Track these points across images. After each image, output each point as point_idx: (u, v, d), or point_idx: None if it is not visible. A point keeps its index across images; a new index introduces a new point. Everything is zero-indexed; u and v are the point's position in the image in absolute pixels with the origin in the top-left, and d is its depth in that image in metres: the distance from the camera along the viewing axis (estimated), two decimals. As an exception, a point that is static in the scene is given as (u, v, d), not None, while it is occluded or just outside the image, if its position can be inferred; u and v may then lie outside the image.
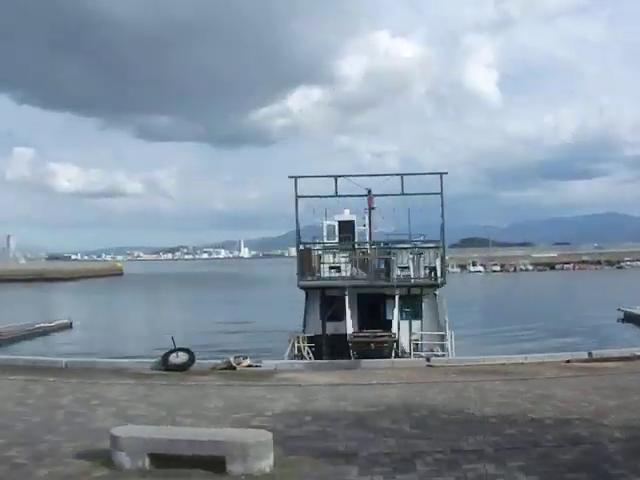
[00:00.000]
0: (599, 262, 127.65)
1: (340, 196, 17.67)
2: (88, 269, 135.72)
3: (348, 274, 18.50)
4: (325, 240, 20.62)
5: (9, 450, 7.21)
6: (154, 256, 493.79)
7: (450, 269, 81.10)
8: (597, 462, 6.56)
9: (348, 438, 7.62)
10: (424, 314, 17.60)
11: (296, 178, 17.35)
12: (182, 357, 13.73)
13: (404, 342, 16.67)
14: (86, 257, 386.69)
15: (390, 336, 14.91)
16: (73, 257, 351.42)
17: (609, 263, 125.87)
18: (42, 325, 39.20)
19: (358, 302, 17.81)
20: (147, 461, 6.52)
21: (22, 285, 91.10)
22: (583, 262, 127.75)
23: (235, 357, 13.83)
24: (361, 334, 15.45)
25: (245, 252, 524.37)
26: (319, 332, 17.87)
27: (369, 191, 18.07)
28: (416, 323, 17.44)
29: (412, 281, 17.12)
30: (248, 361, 13.82)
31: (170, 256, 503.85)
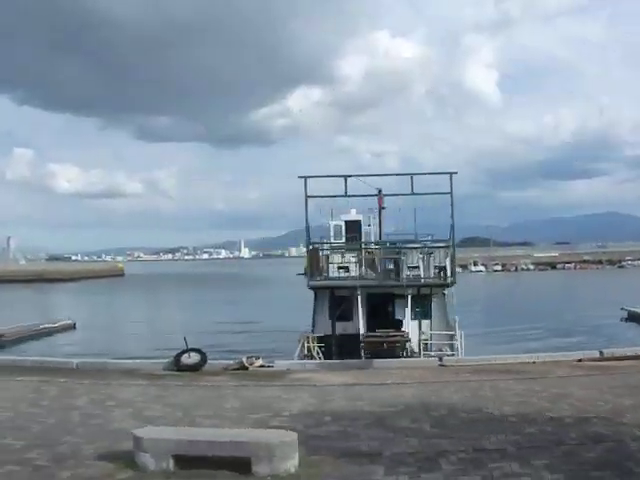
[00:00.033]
0: (600, 261, 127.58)
1: (350, 196, 17.69)
2: (89, 270, 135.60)
3: (356, 274, 18.54)
4: (332, 240, 20.62)
5: (29, 452, 7.17)
6: (154, 257, 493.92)
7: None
8: (620, 460, 6.57)
9: (370, 438, 7.63)
10: (433, 314, 17.62)
11: (306, 178, 17.36)
12: (194, 357, 13.76)
13: (414, 342, 16.69)
14: (86, 258, 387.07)
15: (402, 336, 14.93)
16: (73, 258, 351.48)
17: (610, 262, 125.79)
18: (46, 326, 39.20)
19: (367, 302, 17.85)
20: (171, 462, 6.48)
21: (23, 286, 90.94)
22: (584, 262, 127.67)
23: (247, 357, 13.86)
24: (374, 334, 15.46)
25: (245, 252, 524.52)
26: (328, 332, 17.89)
27: (379, 191, 18.08)
28: (425, 323, 17.47)
29: (422, 281, 17.13)
30: (260, 361, 13.85)
31: (170, 257, 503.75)
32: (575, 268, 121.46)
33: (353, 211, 20.83)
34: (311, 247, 18.21)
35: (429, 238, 19.24)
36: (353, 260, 18.85)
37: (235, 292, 77.76)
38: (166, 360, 14.41)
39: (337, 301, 17.96)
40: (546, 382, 11.26)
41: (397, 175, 18.17)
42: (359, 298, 16.14)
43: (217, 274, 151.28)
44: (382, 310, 18.28)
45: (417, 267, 17.21)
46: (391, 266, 18.64)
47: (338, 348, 17.16)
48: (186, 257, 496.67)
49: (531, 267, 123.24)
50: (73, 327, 41.71)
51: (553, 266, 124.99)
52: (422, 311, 17.43)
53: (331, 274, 18.73)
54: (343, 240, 20.73)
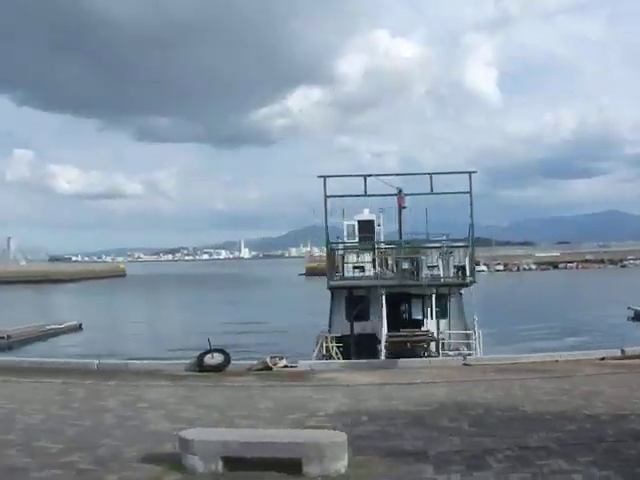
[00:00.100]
0: (602, 261, 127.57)
1: (369, 195, 17.70)
2: (91, 270, 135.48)
3: (372, 273, 18.57)
4: (346, 240, 20.63)
5: (70, 455, 7.06)
6: (154, 257, 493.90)
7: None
8: (663, 457, 6.62)
9: (412, 437, 7.65)
10: (451, 313, 17.65)
11: (325, 178, 17.39)
12: (217, 358, 13.70)
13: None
14: (86, 258, 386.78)
15: (427, 335, 14.97)
16: (73, 259, 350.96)
17: (612, 262, 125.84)
18: (52, 327, 39.29)
19: (382, 302, 17.84)
20: (220, 464, 6.43)
21: (24, 287, 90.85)
22: (586, 261, 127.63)
23: (271, 357, 13.85)
24: (398, 334, 15.48)
25: (245, 253, 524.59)
26: (345, 332, 17.92)
27: (400, 190, 18.10)
28: (443, 322, 17.50)
29: (442, 280, 17.17)
30: (284, 361, 13.87)
31: (170, 257, 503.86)
32: (577, 268, 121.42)
33: (366, 211, 20.84)
34: (330, 247, 18.18)
35: (444, 238, 19.27)
36: (369, 260, 18.86)
37: (238, 293, 77.77)
38: (188, 361, 14.39)
39: (355, 301, 17.99)
40: (575, 380, 11.31)
41: (416, 175, 18.18)
42: (383, 298, 16.16)
43: (218, 275, 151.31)
44: (398, 310, 18.31)
45: (436, 266, 17.24)
46: (405, 265, 18.68)
47: (355, 347, 17.19)
48: (186, 258, 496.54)
49: (533, 267, 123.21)
50: (79, 328, 41.80)
51: (555, 266, 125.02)
52: (440, 311, 17.46)
53: (346, 274, 18.76)
54: (356, 240, 20.76)
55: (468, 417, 8.63)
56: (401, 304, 18.67)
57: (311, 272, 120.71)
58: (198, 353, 14.16)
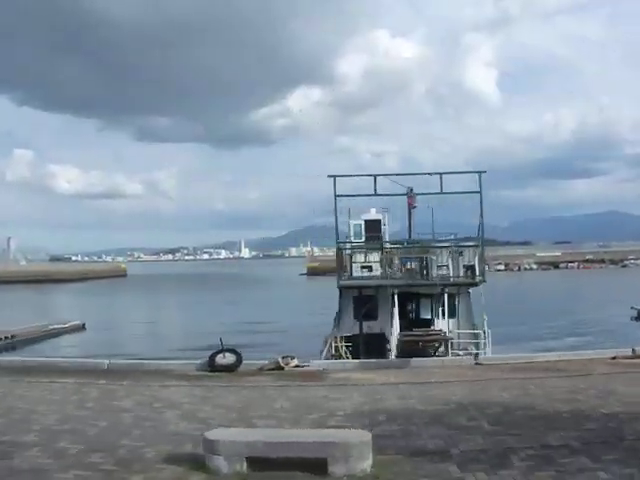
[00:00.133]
0: (603, 261, 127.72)
1: (380, 195, 17.72)
2: (91, 270, 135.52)
3: (379, 273, 18.59)
4: (352, 240, 20.65)
5: (91, 456, 6.99)
6: (154, 257, 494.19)
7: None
8: (684, 455, 6.63)
9: (432, 436, 7.66)
10: (460, 313, 17.67)
11: (335, 177, 17.40)
12: (229, 358, 13.68)
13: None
14: (86, 258, 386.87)
15: (440, 335, 14.99)
16: (73, 258, 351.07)
17: (613, 262, 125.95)
18: (55, 327, 39.44)
19: (391, 301, 17.86)
20: (245, 465, 6.39)
21: (25, 286, 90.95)
22: (587, 261, 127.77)
23: (283, 357, 13.85)
24: (411, 333, 15.49)
25: (246, 253, 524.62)
26: (352, 331, 17.94)
27: (411, 190, 18.11)
28: (452, 322, 17.52)
29: (451, 280, 17.18)
30: (296, 361, 13.87)
31: (170, 257, 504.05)
32: (578, 268, 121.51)
33: (373, 210, 20.87)
34: (339, 247, 18.20)
35: (451, 237, 19.30)
36: (376, 259, 18.88)
37: (240, 292, 77.84)
38: (199, 361, 14.38)
39: (363, 300, 18.01)
40: (589, 379, 11.34)
41: (426, 174, 18.19)
42: (395, 298, 16.18)
43: (219, 274, 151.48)
44: (405, 309, 18.33)
45: (446, 266, 17.26)
46: (410, 265, 18.70)
47: (363, 347, 17.20)
48: (186, 257, 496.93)
49: (534, 267, 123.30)
50: (82, 328, 41.91)
51: (556, 266, 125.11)
52: (449, 310, 17.48)
53: (354, 273, 18.79)
54: (363, 239, 20.77)
55: (487, 416, 8.64)
56: (408, 303, 18.68)
57: (312, 272, 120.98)
58: (209, 353, 14.15)
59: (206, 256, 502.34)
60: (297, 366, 13.80)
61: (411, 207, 18.50)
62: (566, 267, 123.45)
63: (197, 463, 6.57)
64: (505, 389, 10.61)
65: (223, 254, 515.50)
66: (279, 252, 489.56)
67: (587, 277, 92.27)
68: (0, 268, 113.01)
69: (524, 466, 6.44)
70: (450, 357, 15.06)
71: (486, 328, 16.95)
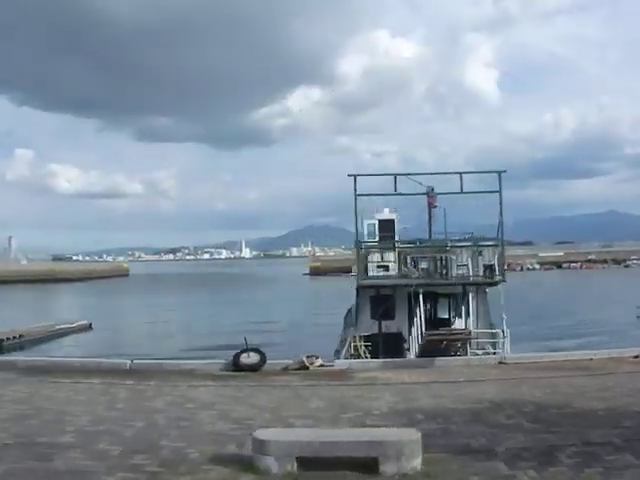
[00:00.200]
0: (605, 261, 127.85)
1: (400, 194, 17.79)
2: (93, 270, 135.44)
3: (395, 272, 18.66)
4: (366, 239, 20.70)
5: (133, 457, 6.91)
6: (155, 257, 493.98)
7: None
8: None
9: (474, 434, 7.71)
10: (478, 312, 17.72)
11: (355, 176, 17.47)
12: (253, 357, 13.67)
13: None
14: (87, 258, 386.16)
15: (463, 334, 15.05)
16: (74, 258, 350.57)
17: (615, 262, 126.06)
18: (63, 326, 39.50)
19: (408, 301, 17.94)
20: (295, 465, 6.35)
21: (27, 286, 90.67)
22: (589, 261, 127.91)
23: (307, 357, 13.91)
24: (436, 332, 15.54)
25: (246, 252, 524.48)
26: (371, 331, 18.00)
27: (432, 189, 18.19)
28: (470, 321, 17.56)
29: (471, 279, 17.24)
30: (320, 361, 13.92)
31: (171, 257, 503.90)
32: (581, 268, 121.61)
33: (386, 210, 20.89)
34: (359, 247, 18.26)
35: (466, 237, 19.37)
36: (392, 259, 18.94)
37: (244, 292, 77.95)
38: (223, 360, 14.41)
39: (380, 300, 18.08)
40: (617, 378, 11.43)
41: (445, 174, 18.29)
42: (420, 297, 16.23)
43: (220, 274, 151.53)
44: (424, 309, 18.37)
45: (465, 265, 17.32)
46: (423, 265, 18.75)
47: (382, 346, 17.27)
48: (187, 257, 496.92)
49: (537, 267, 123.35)
50: (89, 327, 41.96)
51: (559, 265, 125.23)
52: (467, 309, 17.55)
53: (370, 273, 18.84)
54: (376, 239, 20.82)
55: (524, 414, 8.71)
56: (425, 303, 18.73)
57: (315, 272, 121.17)
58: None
59: (207, 256, 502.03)
60: (322, 365, 13.84)
61: (432, 206, 18.56)
62: (569, 267, 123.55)
63: (243, 463, 6.53)
64: (535, 387, 10.68)
65: (224, 254, 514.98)
66: (280, 252, 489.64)
67: (590, 277, 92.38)
68: (1, 267, 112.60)
69: (572, 463, 6.52)
70: (475, 356, 15.11)
71: (505, 327, 17.02)
